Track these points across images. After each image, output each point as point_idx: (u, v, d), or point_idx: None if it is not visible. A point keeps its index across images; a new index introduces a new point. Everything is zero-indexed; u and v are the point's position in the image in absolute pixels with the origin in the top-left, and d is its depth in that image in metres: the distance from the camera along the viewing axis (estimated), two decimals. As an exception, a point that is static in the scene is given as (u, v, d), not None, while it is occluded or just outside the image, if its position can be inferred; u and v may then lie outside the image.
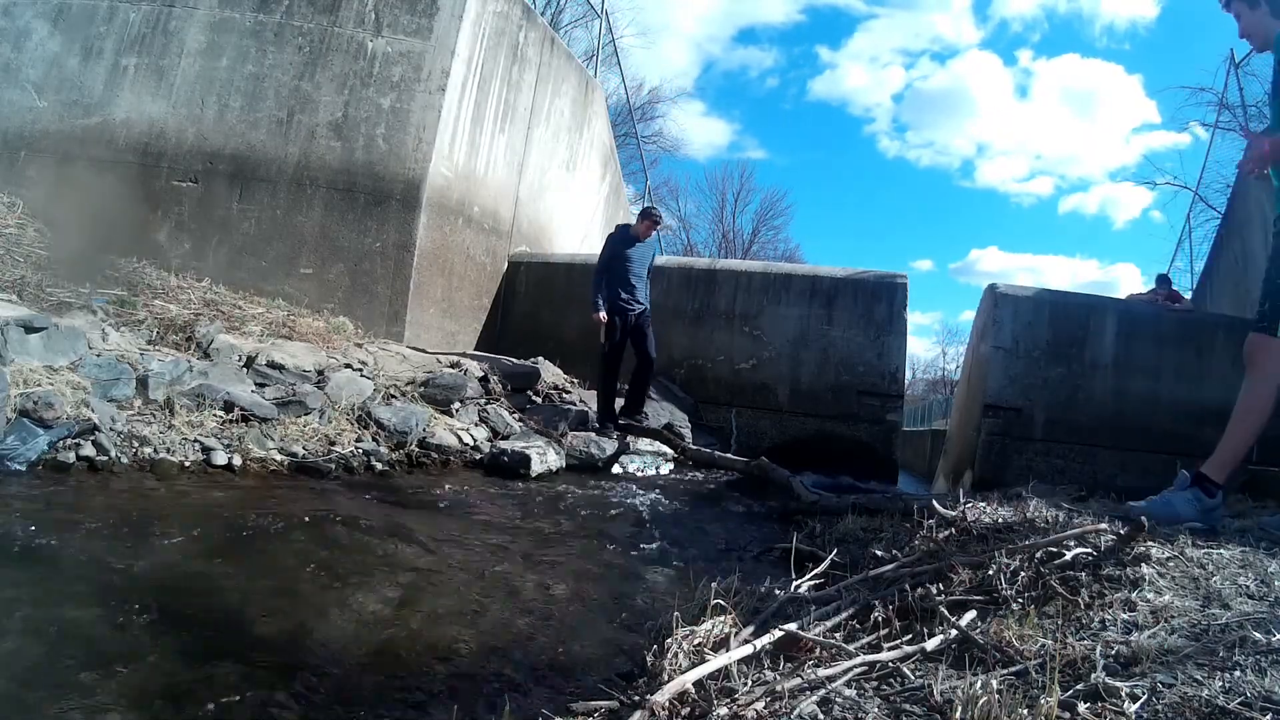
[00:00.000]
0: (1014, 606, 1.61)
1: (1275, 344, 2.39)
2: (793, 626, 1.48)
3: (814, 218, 49.19)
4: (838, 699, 1.23)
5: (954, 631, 1.46)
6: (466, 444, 4.02)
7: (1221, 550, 1.94)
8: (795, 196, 49.85)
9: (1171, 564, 1.76)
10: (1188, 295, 10.95)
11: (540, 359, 5.65)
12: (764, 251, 26.61)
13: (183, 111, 5.67)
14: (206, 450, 2.99)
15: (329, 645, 1.52)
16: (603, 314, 4.92)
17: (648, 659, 1.45)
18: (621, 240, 5.12)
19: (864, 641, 1.48)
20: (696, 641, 1.45)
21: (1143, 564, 1.72)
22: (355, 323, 5.41)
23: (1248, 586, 1.64)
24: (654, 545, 2.72)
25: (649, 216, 5.23)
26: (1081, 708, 1.12)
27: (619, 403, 5.06)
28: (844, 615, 1.62)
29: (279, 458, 3.18)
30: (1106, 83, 55.15)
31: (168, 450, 2.90)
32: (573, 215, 8.70)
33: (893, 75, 56.39)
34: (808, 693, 1.22)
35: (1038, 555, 1.79)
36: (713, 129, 48.39)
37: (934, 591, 1.71)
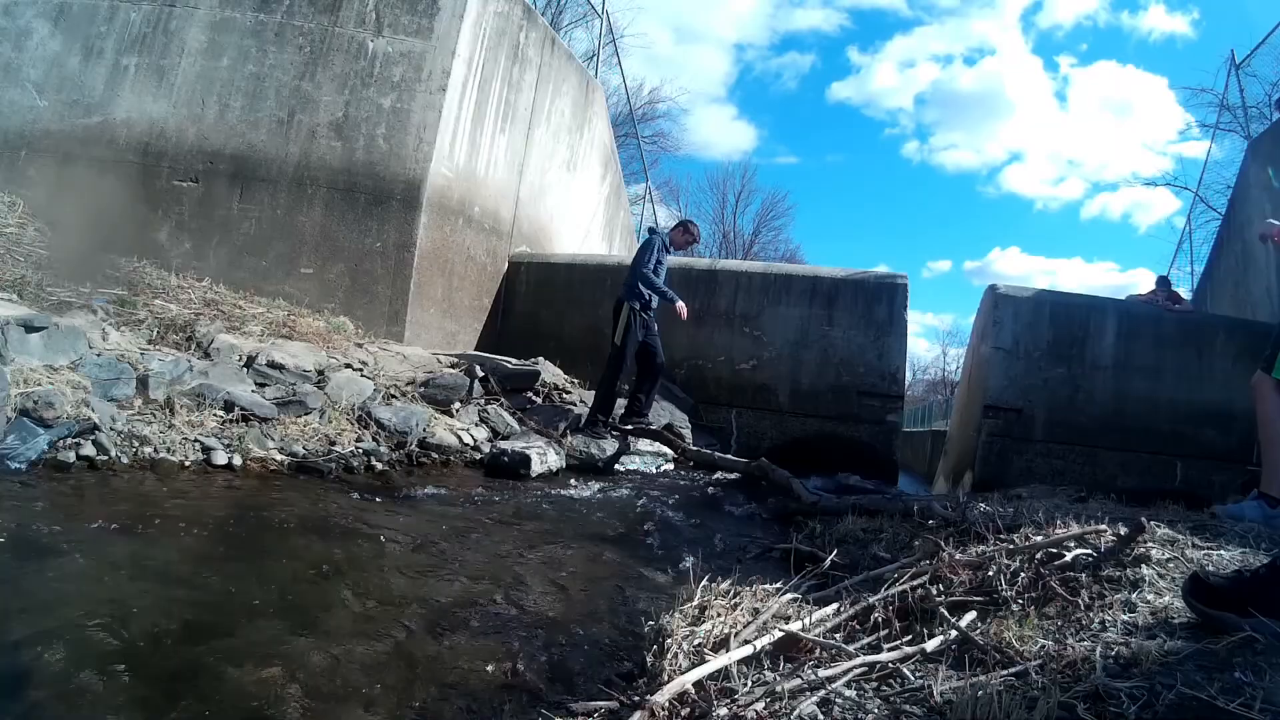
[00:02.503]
0: (1014, 607, 1.61)
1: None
2: (793, 627, 1.48)
3: (837, 220, 49.47)
4: (838, 699, 1.23)
5: (954, 632, 1.46)
6: (467, 444, 4.02)
7: (1221, 551, 1.94)
8: (817, 199, 50.09)
9: (1171, 565, 1.76)
10: (1188, 296, 10.95)
11: (540, 359, 5.64)
12: (765, 252, 26.60)
13: (183, 111, 5.66)
14: (207, 450, 2.99)
15: (328, 646, 1.52)
16: (681, 304, 4.96)
17: (648, 659, 1.45)
18: (666, 249, 5.19)
19: (864, 642, 1.48)
20: (696, 642, 1.45)
21: (1143, 565, 1.72)
22: (355, 323, 5.41)
23: (1248, 588, 1.64)
24: (654, 545, 2.72)
25: (689, 232, 5.30)
26: (1081, 709, 1.12)
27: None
28: (844, 616, 1.62)
29: (279, 457, 3.18)
30: (1147, 93, 55.23)
31: (168, 450, 2.90)
32: (573, 215, 8.70)
33: (927, 79, 56.57)
34: (808, 693, 1.22)
35: (1038, 556, 1.79)
36: (742, 133, 48.66)
37: (934, 592, 1.71)
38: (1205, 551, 1.91)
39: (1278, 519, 2.69)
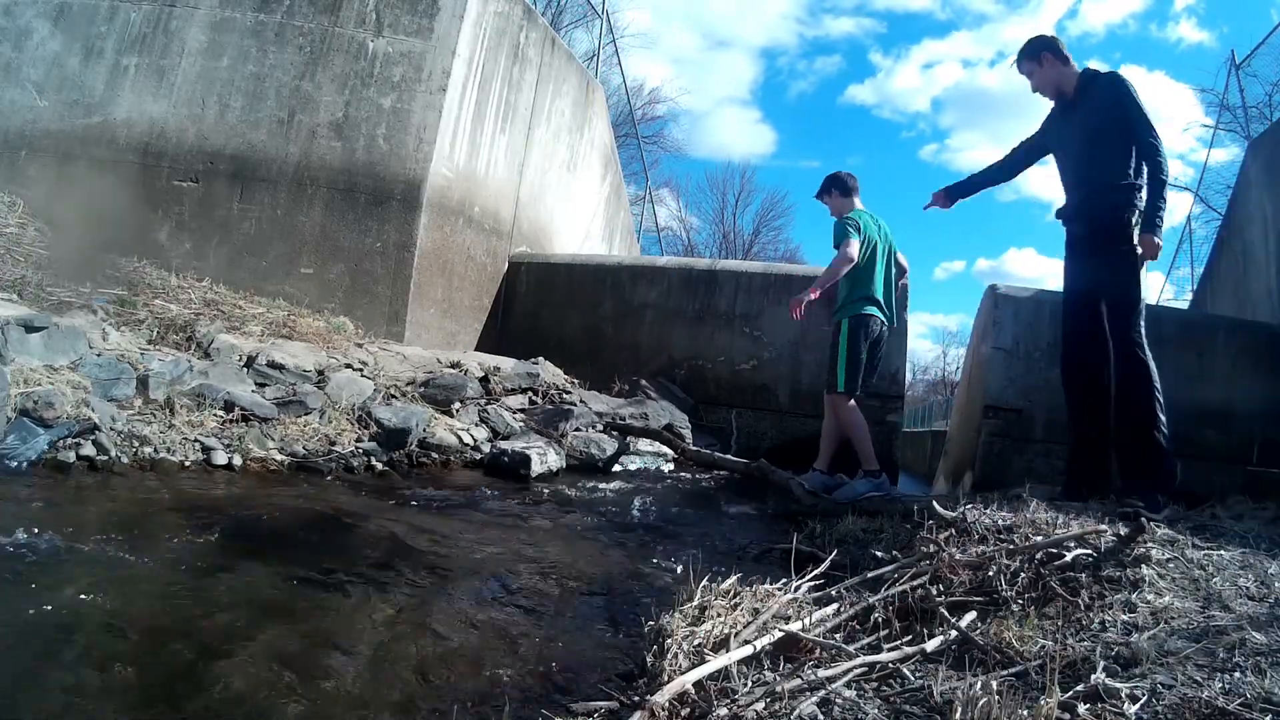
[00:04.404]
0: (1014, 607, 1.61)
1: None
2: (793, 627, 1.48)
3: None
4: (838, 700, 1.23)
5: (954, 632, 1.46)
6: (467, 444, 4.02)
7: (1221, 551, 1.94)
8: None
9: (1171, 565, 1.76)
10: (1188, 296, 10.96)
11: (540, 359, 5.64)
12: (765, 252, 26.63)
13: (183, 111, 5.66)
14: (207, 450, 2.99)
15: (326, 646, 1.52)
16: None
17: (648, 659, 1.45)
18: None
19: (864, 642, 1.48)
20: (696, 642, 1.45)
21: (1143, 565, 1.72)
22: (355, 323, 5.40)
23: (1248, 588, 1.64)
24: (653, 545, 2.72)
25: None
26: (1081, 709, 1.12)
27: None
28: (844, 616, 1.62)
29: (279, 457, 3.18)
30: (1175, 100, 55.08)
31: (168, 450, 2.90)
32: (573, 216, 8.70)
33: (949, 80, 56.48)
34: (808, 693, 1.22)
35: (1038, 556, 1.79)
36: (765, 136, 48.87)
37: (934, 592, 1.71)
38: (1205, 552, 1.91)
39: (883, 484, 3.85)
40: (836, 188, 4.42)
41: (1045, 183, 59.65)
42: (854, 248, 4.10)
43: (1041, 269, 56.15)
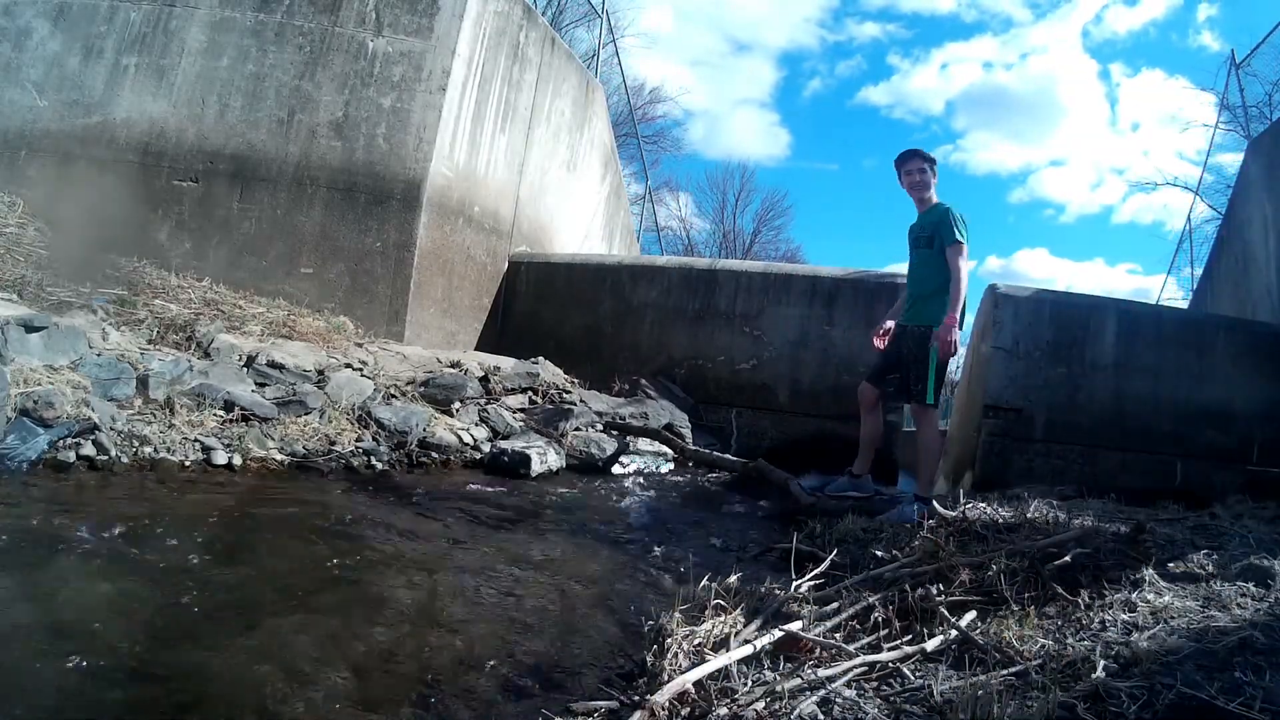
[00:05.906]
0: (1014, 607, 1.61)
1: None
2: (793, 627, 1.48)
3: (870, 224, 49.28)
4: (838, 699, 1.23)
5: (954, 632, 1.46)
6: (467, 443, 4.02)
7: (1222, 551, 1.94)
8: (852, 204, 49.76)
9: (1171, 565, 1.76)
10: (1188, 296, 10.96)
11: (540, 359, 5.64)
12: (765, 252, 26.60)
13: (183, 111, 5.66)
14: (207, 449, 2.99)
15: (326, 645, 1.52)
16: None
17: (648, 659, 1.45)
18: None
19: (864, 642, 1.48)
20: (696, 641, 1.45)
21: (1143, 565, 1.72)
22: (355, 322, 5.40)
23: (1248, 588, 1.64)
24: (653, 545, 2.72)
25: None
26: (1081, 709, 1.12)
27: None
28: (844, 615, 1.62)
29: (279, 457, 3.18)
30: (1194, 106, 55.08)
31: (168, 450, 2.90)
32: (573, 215, 8.70)
33: (967, 83, 56.38)
34: (808, 693, 1.22)
35: (1038, 556, 1.79)
36: (783, 139, 48.98)
37: (934, 592, 1.71)
38: (1206, 551, 1.91)
39: (864, 483, 3.90)
40: (934, 166, 3.86)
41: (1056, 183, 59.66)
42: (967, 257, 3.61)
43: (1053, 270, 55.97)
